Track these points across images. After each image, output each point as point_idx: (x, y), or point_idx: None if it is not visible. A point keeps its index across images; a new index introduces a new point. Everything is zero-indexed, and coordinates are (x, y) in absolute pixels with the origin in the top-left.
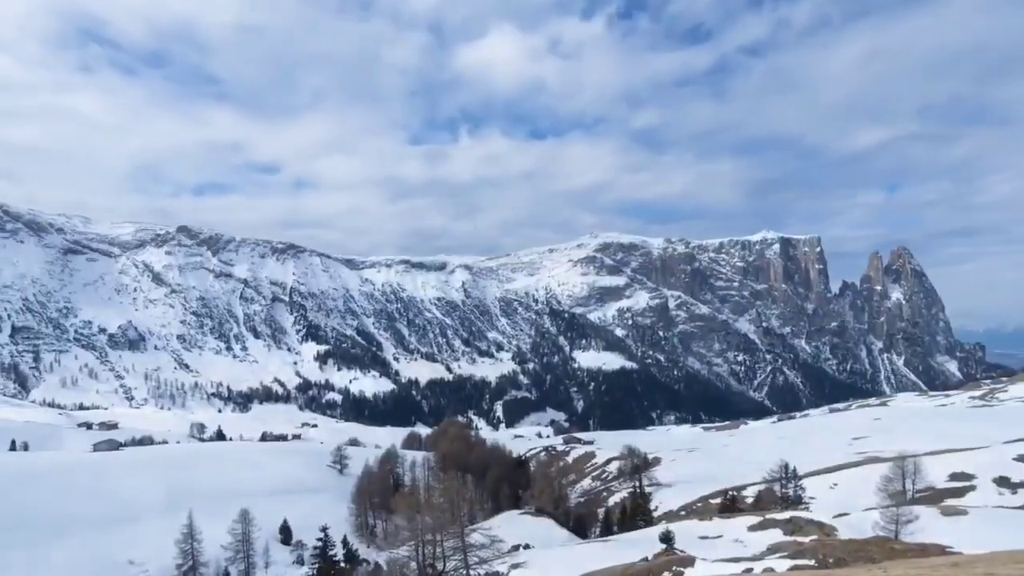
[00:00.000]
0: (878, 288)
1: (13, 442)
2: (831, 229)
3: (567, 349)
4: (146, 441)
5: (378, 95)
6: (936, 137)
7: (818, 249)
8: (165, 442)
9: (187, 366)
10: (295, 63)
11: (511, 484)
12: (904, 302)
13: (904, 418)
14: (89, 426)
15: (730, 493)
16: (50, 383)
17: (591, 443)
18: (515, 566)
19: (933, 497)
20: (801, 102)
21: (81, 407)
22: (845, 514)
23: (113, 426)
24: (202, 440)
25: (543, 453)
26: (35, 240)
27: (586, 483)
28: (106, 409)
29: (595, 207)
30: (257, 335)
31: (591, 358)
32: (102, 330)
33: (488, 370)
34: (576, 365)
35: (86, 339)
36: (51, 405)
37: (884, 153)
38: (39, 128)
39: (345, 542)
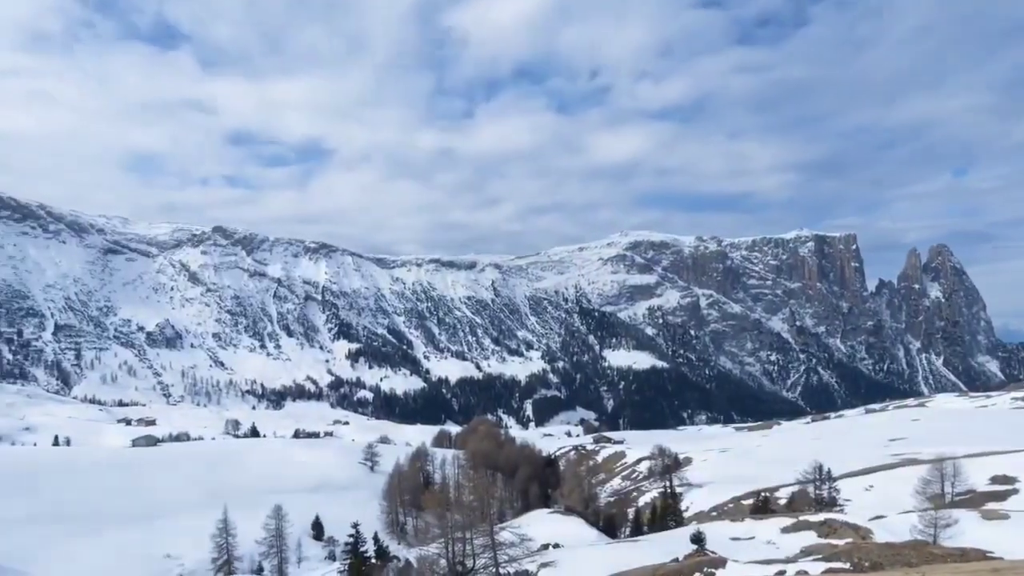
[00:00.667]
0: (916, 286)
1: (56, 437)
2: (879, 221)
3: (597, 348)
4: (183, 437)
5: (378, 60)
6: (1005, 113)
7: (854, 247)
8: (201, 438)
9: (222, 364)
10: (285, 22)
11: (540, 483)
12: (943, 300)
13: (943, 419)
14: (128, 422)
15: (762, 494)
16: (91, 380)
17: (621, 442)
18: (544, 565)
19: (973, 500)
20: (853, 72)
21: (120, 404)
22: (881, 517)
23: (151, 422)
24: (237, 437)
25: (572, 452)
26: (77, 240)
27: (616, 483)
28: (144, 406)
29: (619, 193)
30: (290, 333)
31: (621, 357)
32: (140, 328)
33: (518, 369)
34: (606, 364)
35: (125, 337)
36: (92, 401)
37: (942, 131)
38: (25, 115)
39: (376, 539)
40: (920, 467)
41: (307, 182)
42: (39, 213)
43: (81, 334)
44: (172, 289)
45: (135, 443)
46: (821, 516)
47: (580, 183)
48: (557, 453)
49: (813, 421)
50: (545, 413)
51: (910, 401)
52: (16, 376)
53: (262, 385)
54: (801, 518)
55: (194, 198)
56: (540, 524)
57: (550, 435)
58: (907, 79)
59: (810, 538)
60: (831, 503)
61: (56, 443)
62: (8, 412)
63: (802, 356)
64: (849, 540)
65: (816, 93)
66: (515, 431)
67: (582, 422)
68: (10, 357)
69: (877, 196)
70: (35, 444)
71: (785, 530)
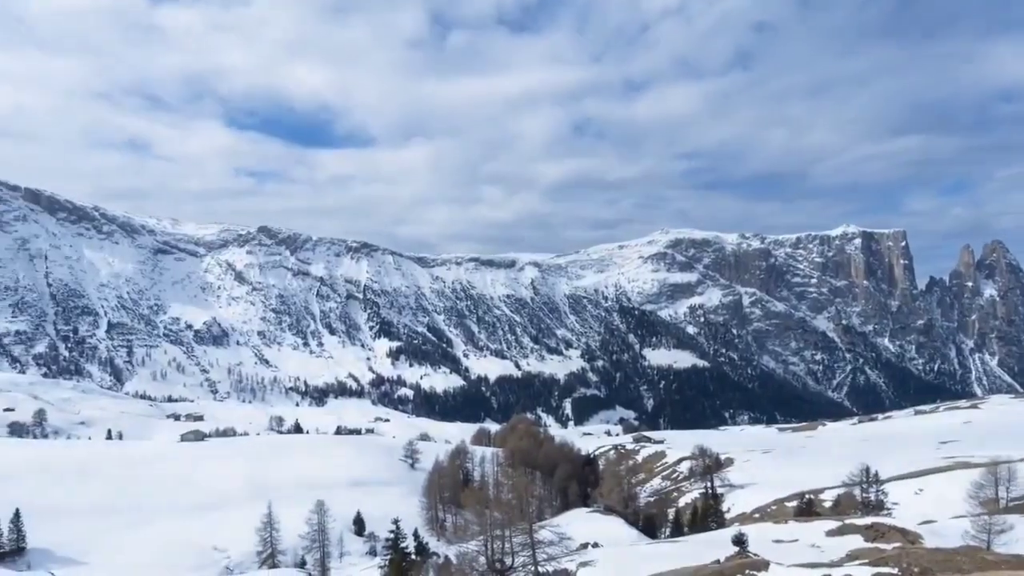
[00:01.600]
0: (969, 284)
1: (109, 431)
2: (953, 207)
3: (637, 347)
4: (229, 432)
5: None
6: None
7: (903, 244)
8: (246, 434)
9: (267, 361)
10: None
11: (579, 482)
12: (998, 299)
13: (997, 421)
14: (177, 417)
15: (807, 496)
16: (142, 376)
17: (661, 442)
18: (583, 564)
19: None
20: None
21: (170, 399)
22: (931, 521)
23: (199, 418)
24: (281, 432)
25: (612, 451)
26: (129, 241)
27: (656, 483)
28: (192, 401)
29: (653, 171)
30: (332, 331)
31: (661, 356)
32: (189, 326)
33: (557, 367)
34: (646, 363)
35: (174, 335)
36: (143, 397)
37: None
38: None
39: (416, 535)
40: (973, 470)
41: (315, 166)
42: (93, 215)
43: (133, 332)
44: (219, 288)
45: (183, 438)
46: (868, 520)
47: (609, 158)
48: (596, 452)
49: (860, 422)
50: (584, 412)
51: (962, 402)
52: (72, 372)
53: (305, 382)
54: (847, 521)
55: (193, 185)
56: (579, 523)
57: (589, 434)
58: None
59: (856, 542)
60: (878, 506)
61: (109, 437)
62: (64, 407)
63: (848, 356)
64: (897, 545)
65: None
66: (554, 430)
67: (621, 421)
68: (66, 354)
69: (950, 178)
70: (89, 438)
71: (830, 533)
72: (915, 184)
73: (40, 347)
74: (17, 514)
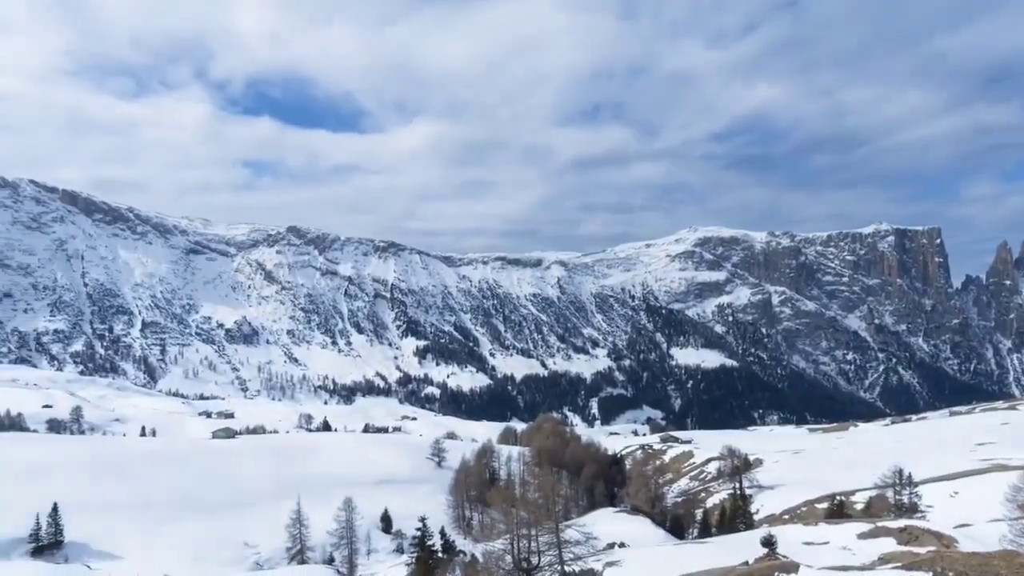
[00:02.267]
0: (1007, 282)
1: (143, 428)
2: (1010, 196)
3: (664, 346)
4: (259, 430)
5: None
6: None
7: (938, 241)
8: (276, 431)
9: (296, 360)
10: None
11: (606, 482)
12: None
13: None
14: (208, 415)
15: (838, 498)
16: (175, 374)
17: (689, 442)
18: (610, 564)
19: None
20: None
21: (201, 397)
22: (967, 525)
23: (230, 415)
24: (309, 430)
25: (639, 451)
26: (162, 241)
27: (683, 483)
28: (223, 399)
29: (673, 151)
30: (360, 330)
31: (689, 355)
32: (220, 325)
33: (583, 367)
34: (674, 362)
35: (206, 333)
36: (175, 395)
37: None
38: None
39: (443, 533)
40: (1010, 473)
41: (316, 156)
42: (128, 216)
43: (166, 330)
44: (249, 287)
45: (215, 435)
46: (901, 522)
47: (627, 138)
48: (623, 452)
49: (893, 423)
50: (611, 411)
51: (999, 403)
52: (107, 370)
53: (333, 380)
54: (879, 524)
55: (189, 177)
56: (605, 523)
57: (616, 434)
58: None
59: (889, 545)
60: (912, 509)
61: (143, 434)
62: (100, 404)
63: (881, 355)
64: (932, 548)
65: None
66: (580, 429)
67: (649, 421)
68: (102, 352)
69: (1010, 160)
70: (124, 434)
71: (862, 536)
72: (968, 168)
73: (77, 345)
74: (55, 508)
